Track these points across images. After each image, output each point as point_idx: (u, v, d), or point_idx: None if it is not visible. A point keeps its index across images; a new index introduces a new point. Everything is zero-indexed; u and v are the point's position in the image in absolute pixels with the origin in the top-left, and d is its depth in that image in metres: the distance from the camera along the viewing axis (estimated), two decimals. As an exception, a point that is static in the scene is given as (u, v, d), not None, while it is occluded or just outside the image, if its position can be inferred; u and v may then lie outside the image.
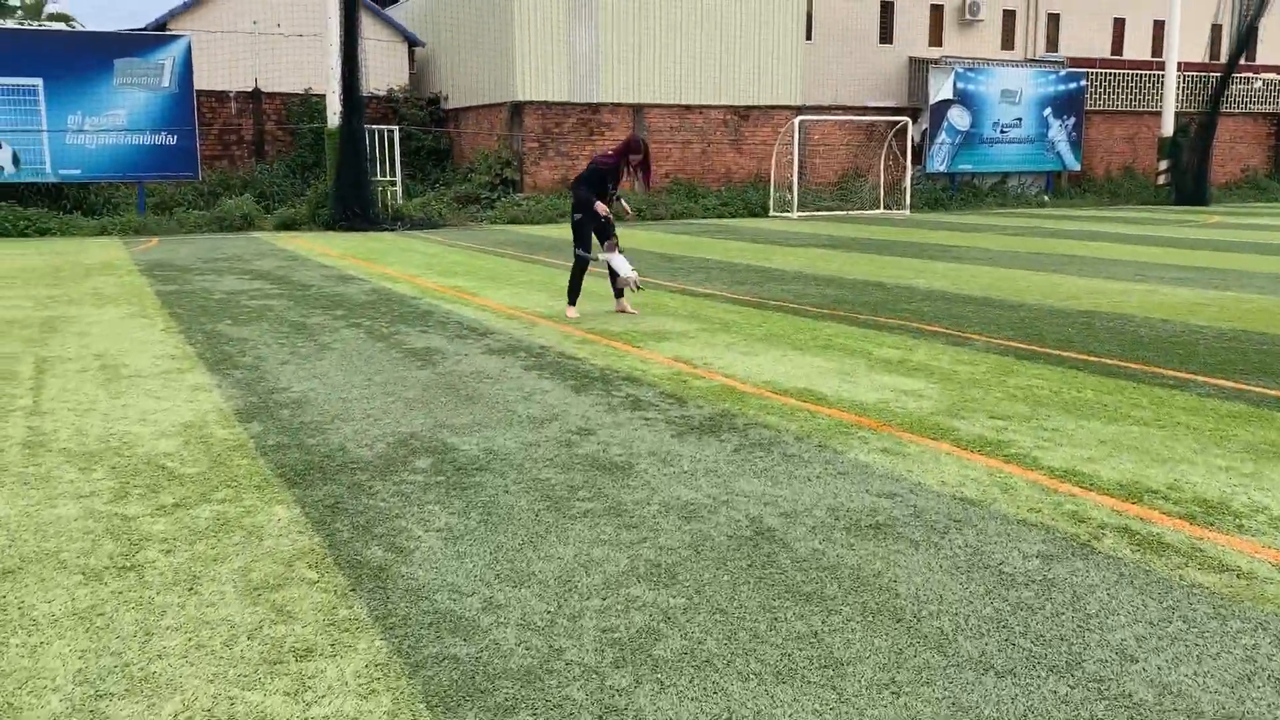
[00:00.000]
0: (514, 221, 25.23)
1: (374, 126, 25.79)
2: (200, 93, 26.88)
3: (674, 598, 3.72)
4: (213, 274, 14.63)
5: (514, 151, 27.70)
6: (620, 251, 10.55)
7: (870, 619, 3.54)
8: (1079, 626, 3.48)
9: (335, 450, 5.72)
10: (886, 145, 30.96)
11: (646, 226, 24.03)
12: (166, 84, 23.54)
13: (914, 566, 3.98)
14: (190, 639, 3.47)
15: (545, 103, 27.44)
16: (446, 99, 31.23)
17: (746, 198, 28.78)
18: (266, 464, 5.50)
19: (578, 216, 10.46)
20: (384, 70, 29.92)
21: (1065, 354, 8.29)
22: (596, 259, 10.55)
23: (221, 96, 29.08)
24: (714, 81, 29.16)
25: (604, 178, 10.37)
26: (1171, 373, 7.57)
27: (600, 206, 10.30)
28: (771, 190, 28.56)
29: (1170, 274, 14.00)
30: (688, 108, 29.08)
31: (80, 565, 4.12)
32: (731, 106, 29.60)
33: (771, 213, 28.18)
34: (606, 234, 10.55)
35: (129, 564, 4.13)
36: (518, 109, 27.40)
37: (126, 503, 4.88)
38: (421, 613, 3.63)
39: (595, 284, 12.44)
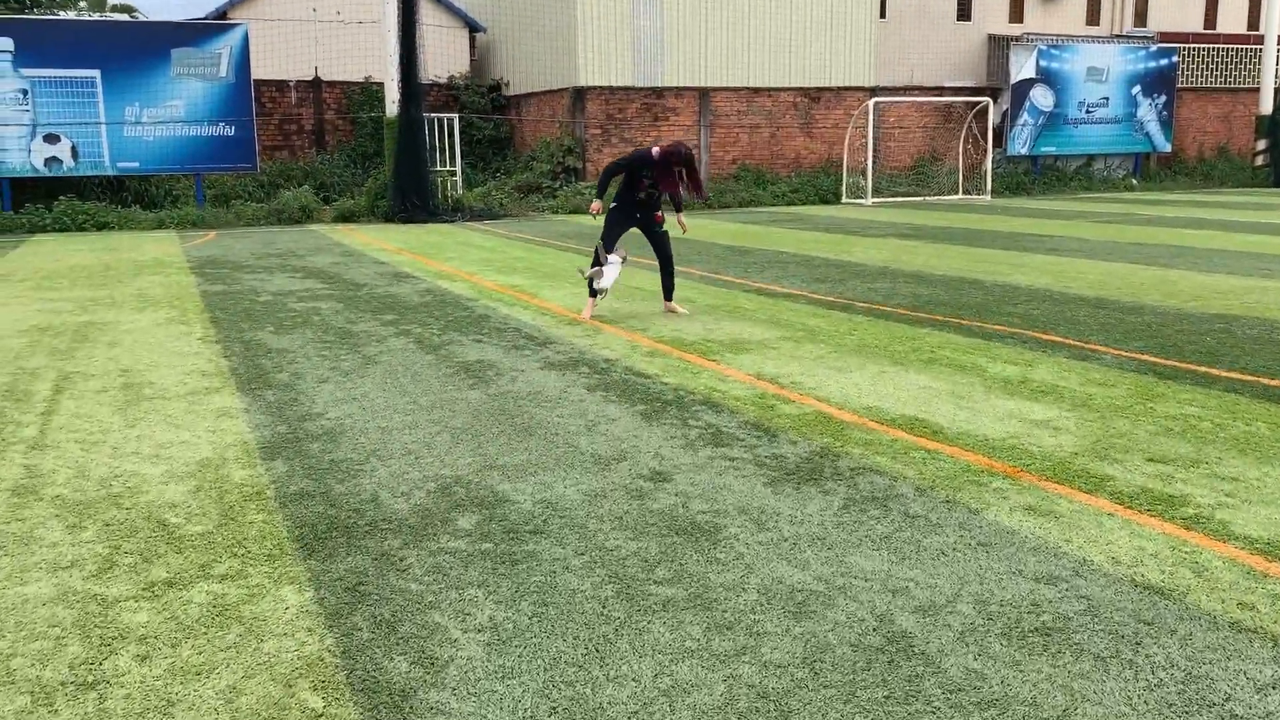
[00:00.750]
0: (576, 211, 24.31)
1: (433, 115, 25.01)
2: (260, 82, 26.32)
3: (791, 754, 2.75)
4: (264, 271, 13.90)
5: (576, 138, 26.76)
6: (623, 260, 9.71)
7: (1069, 800, 2.55)
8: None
9: (366, 502, 4.82)
10: (966, 127, 29.49)
11: (714, 215, 22.97)
12: (224, 74, 22.92)
13: (1109, 701, 2.97)
14: (142, 814, 2.58)
15: (608, 88, 26.46)
16: (507, 85, 30.38)
17: (818, 184, 27.56)
18: (284, 521, 4.62)
19: (614, 204, 9.73)
20: (444, 57, 29.15)
21: (1214, 371, 7.14)
22: (624, 259, 9.70)
23: (281, 86, 28.49)
24: (783, 63, 27.93)
25: (639, 171, 9.54)
26: (1350, 396, 6.43)
27: (595, 206, 9.81)
28: (844, 176, 27.31)
29: (1297, 267, 12.70)
30: (756, 90, 27.89)
31: (31, 680, 3.25)
32: (802, 88, 28.36)
33: (844, 199, 26.96)
34: (664, 252, 9.89)
35: (92, 678, 3.25)
36: (580, 94, 26.45)
37: (111, 578, 4.02)
38: (452, 773, 2.70)
39: (652, 281, 11.58)
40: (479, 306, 10.57)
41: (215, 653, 3.40)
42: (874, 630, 3.43)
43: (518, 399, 6.68)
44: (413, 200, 22.28)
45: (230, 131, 23.08)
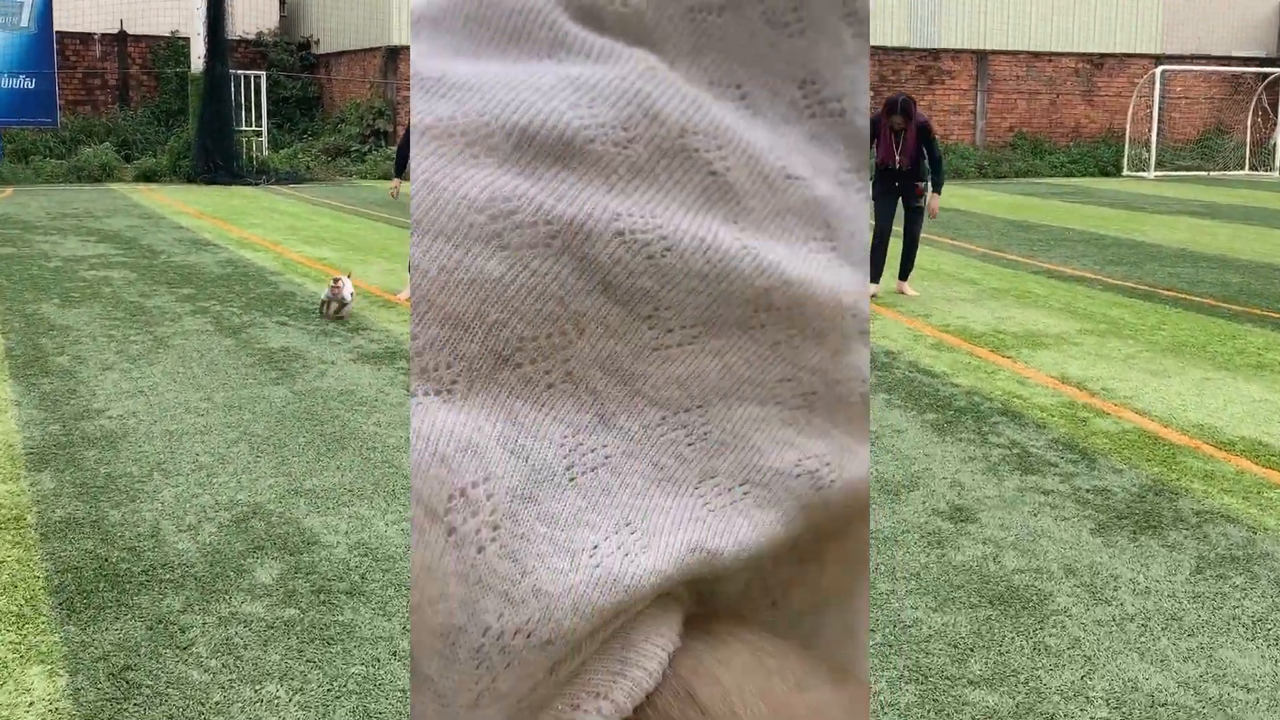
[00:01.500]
0: (385, 177, 22.69)
1: (240, 72, 22.92)
2: (63, 34, 23.47)
3: None
4: (57, 234, 12.17)
5: (388, 101, 25.07)
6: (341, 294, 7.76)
7: None
8: None
9: (144, 538, 3.83)
10: (1255, 99, 27.12)
11: (990, 186, 20.75)
12: (25, 24, 20.41)
13: None
14: None
15: (879, 48, 23.88)
16: (318, 43, 28.17)
17: (1098, 155, 25.36)
18: (43, 561, 3.61)
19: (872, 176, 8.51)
20: (253, 12, 26.73)
21: None
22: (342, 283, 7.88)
23: (85, 38, 25.54)
24: (1066, 26, 25.52)
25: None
26: None
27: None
28: (1126, 147, 25.05)
29: None
30: (1036, 55, 25.58)
31: None
32: (1085, 54, 26.11)
33: (1125, 172, 24.60)
34: (910, 230, 8.66)
35: None
36: (393, 54, 24.71)
37: None
38: None
39: (935, 258, 10.59)
40: (284, 282, 9.35)
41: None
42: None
43: (326, 398, 5.69)
44: (216, 161, 20.32)
45: (30, 84, 20.60)
